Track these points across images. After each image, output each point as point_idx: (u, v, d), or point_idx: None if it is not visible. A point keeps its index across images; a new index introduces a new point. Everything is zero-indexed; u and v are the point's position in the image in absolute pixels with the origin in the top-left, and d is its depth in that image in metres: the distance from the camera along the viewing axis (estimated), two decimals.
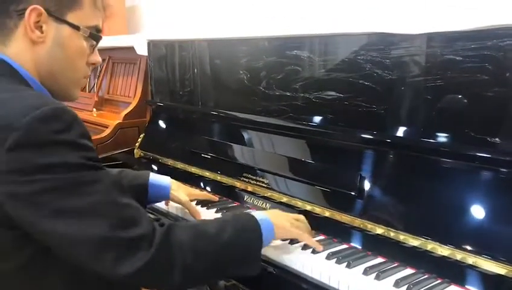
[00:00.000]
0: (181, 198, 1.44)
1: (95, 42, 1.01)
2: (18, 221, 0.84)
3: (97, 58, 1.04)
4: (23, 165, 0.81)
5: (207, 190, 1.70)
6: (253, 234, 1.04)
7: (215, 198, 1.55)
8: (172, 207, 1.54)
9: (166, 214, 1.54)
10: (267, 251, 1.18)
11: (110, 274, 0.86)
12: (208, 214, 1.46)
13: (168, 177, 1.47)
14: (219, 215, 1.46)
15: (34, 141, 0.81)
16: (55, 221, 0.82)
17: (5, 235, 0.87)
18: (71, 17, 0.95)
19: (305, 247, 1.21)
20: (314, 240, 1.20)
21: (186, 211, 1.46)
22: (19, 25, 0.93)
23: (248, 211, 1.23)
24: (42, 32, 0.94)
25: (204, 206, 1.51)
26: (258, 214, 1.09)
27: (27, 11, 0.91)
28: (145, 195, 1.38)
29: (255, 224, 1.05)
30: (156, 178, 1.42)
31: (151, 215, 1.54)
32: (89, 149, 0.88)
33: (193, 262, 0.92)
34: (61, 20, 0.94)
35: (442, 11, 1.20)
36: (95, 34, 1.00)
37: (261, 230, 1.05)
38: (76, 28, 0.96)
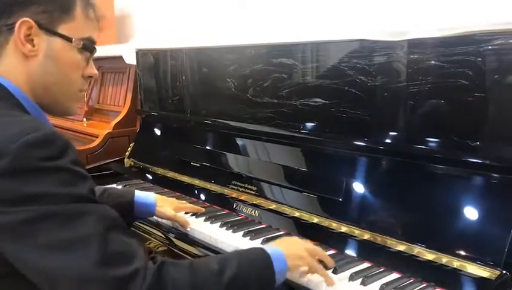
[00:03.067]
0: (167, 213, 1.43)
1: (89, 54, 0.98)
2: (6, 255, 0.79)
3: (93, 70, 1.01)
4: (10, 194, 0.76)
5: (198, 198, 1.71)
6: (264, 270, 0.93)
7: (202, 210, 1.54)
8: None
9: (157, 225, 1.54)
10: None
11: None
12: (197, 222, 1.47)
13: (153, 194, 1.47)
14: (208, 223, 1.46)
15: (23, 168, 0.77)
16: (39, 254, 0.77)
17: None
18: (63, 29, 0.93)
19: None
20: (327, 273, 1.08)
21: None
22: (10, 40, 0.91)
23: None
24: (34, 46, 0.91)
25: (193, 215, 1.52)
26: (268, 247, 0.99)
27: (17, 25, 0.89)
28: (130, 213, 1.38)
29: (265, 259, 0.93)
30: (141, 195, 1.41)
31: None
32: (81, 178, 0.82)
33: None
34: (53, 33, 0.92)
35: (424, 17, 1.22)
36: (88, 46, 0.97)
37: (274, 266, 0.93)
38: (68, 39, 0.93)
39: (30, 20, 0.90)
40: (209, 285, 0.85)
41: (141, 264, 0.80)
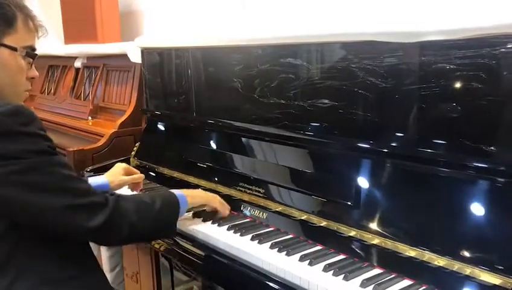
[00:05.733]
0: (123, 181, 1.59)
1: (31, 59, 1.18)
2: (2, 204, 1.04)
3: (34, 73, 1.22)
4: None
5: None
6: (174, 207, 1.33)
7: (143, 176, 1.67)
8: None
9: None
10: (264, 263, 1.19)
11: (80, 229, 1.09)
12: (204, 225, 1.46)
13: (103, 176, 1.59)
14: (215, 225, 1.45)
15: (3, 132, 1.01)
16: (33, 195, 1.04)
17: None
18: (8, 40, 1.12)
19: (301, 258, 1.20)
20: (223, 207, 1.49)
21: None
22: None
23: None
24: None
25: (200, 217, 1.50)
26: (177, 191, 1.38)
27: None
28: None
29: (175, 199, 1.34)
30: (93, 181, 1.53)
31: None
32: (48, 139, 1.09)
33: (137, 222, 1.19)
34: (0, 44, 1.11)
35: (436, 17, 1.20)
36: (30, 53, 1.17)
37: (179, 203, 1.34)
38: (14, 49, 1.13)
39: None
40: (146, 213, 1.23)
41: (103, 195, 1.14)
